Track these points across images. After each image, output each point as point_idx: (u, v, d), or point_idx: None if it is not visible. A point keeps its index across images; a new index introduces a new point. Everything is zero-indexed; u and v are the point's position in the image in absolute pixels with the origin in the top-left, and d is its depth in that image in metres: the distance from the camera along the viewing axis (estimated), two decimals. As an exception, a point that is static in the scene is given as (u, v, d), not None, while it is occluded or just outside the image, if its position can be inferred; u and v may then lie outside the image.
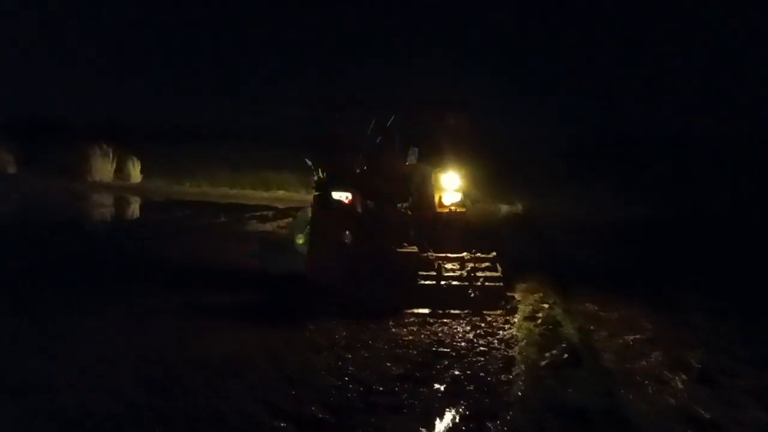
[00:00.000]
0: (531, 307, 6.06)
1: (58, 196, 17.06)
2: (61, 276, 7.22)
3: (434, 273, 6.29)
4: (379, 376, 4.23)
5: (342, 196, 7.26)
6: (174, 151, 22.68)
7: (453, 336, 5.29)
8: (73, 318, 5.41)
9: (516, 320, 5.74)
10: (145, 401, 3.68)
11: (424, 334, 5.30)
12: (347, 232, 6.98)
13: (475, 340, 5.16)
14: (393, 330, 5.40)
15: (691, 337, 5.20)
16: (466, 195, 7.95)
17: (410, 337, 5.20)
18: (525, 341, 5.02)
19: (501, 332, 5.40)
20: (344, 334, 5.19)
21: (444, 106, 8.13)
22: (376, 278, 6.16)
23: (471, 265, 6.52)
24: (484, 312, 5.95)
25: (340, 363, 4.46)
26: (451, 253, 6.75)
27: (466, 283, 6.24)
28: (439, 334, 5.32)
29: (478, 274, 6.34)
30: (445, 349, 4.90)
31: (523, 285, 6.90)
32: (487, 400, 3.86)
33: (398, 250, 6.41)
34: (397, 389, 4.01)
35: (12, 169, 21.24)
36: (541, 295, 6.47)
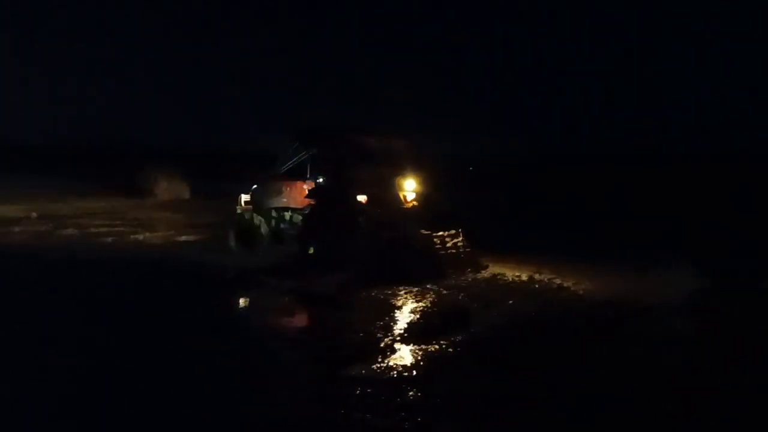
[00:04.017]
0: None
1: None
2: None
3: (440, 246, 10.35)
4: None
5: (362, 197, 10.77)
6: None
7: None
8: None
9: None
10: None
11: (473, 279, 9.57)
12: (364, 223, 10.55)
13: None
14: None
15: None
16: (419, 194, 11.97)
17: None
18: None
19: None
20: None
21: (392, 134, 12.12)
22: (408, 254, 9.94)
23: (449, 240, 10.73)
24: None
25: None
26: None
27: (455, 251, 10.47)
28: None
29: (458, 244, 10.60)
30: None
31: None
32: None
33: (421, 232, 10.27)
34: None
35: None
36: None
